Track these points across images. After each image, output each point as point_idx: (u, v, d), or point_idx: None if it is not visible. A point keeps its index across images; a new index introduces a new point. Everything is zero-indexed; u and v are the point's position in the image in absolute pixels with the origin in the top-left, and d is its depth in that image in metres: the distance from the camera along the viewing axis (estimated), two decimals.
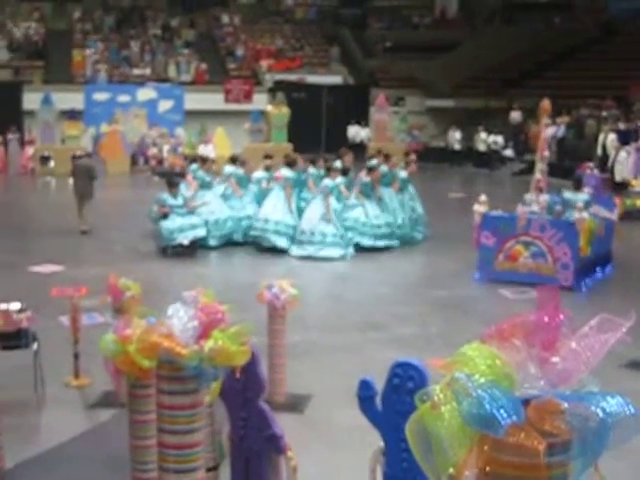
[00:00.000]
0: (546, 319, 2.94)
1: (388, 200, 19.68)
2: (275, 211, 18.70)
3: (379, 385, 5.71)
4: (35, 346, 9.82)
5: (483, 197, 16.48)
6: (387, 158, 20.58)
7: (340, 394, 9.30)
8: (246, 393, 6.10)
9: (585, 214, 15.80)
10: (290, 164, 19.42)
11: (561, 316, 2.97)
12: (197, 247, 18.28)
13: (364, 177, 19.46)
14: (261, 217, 18.75)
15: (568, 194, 16.89)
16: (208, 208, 18.92)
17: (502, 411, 2.61)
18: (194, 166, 20.52)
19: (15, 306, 9.64)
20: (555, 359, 2.86)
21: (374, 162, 20.44)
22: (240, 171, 20.16)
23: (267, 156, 20.67)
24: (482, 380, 2.71)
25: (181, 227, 17.93)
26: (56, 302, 11.64)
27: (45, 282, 14.62)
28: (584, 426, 2.70)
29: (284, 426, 6.28)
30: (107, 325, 9.48)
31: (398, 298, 14.94)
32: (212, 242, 18.88)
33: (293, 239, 18.44)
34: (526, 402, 2.75)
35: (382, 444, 5.78)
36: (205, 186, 19.58)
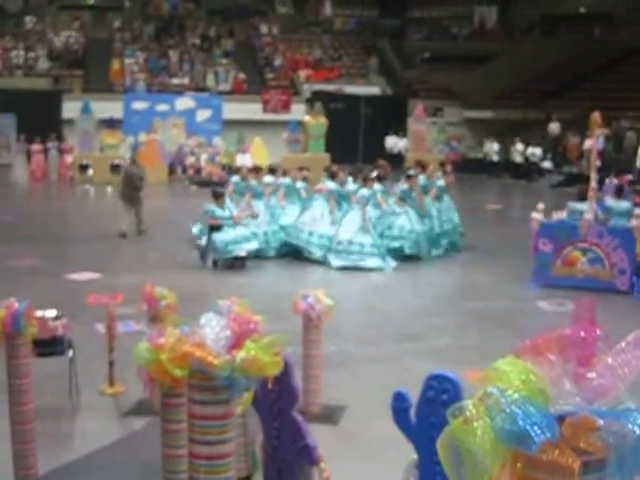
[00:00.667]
0: (582, 334, 2.89)
1: (429, 208, 19.66)
2: (321, 224, 18.64)
3: (414, 397, 5.67)
4: (70, 353, 9.87)
5: (541, 205, 16.96)
6: (424, 168, 20.51)
7: (375, 405, 9.25)
8: (279, 403, 6.08)
9: None
10: (332, 176, 19.41)
11: (597, 331, 2.92)
12: (246, 259, 18.19)
13: (402, 184, 19.49)
14: (305, 229, 18.70)
15: (610, 202, 17.06)
16: (262, 219, 18.94)
17: (536, 428, 2.57)
18: (235, 178, 20.42)
19: (51, 313, 9.69)
20: (591, 375, 2.82)
21: (412, 172, 20.39)
22: (287, 180, 20.17)
23: (302, 168, 20.75)
24: (516, 396, 2.67)
25: (236, 239, 17.78)
26: (92, 310, 11.68)
27: (82, 290, 14.68)
28: (620, 443, 2.65)
29: (318, 437, 6.25)
30: (143, 333, 9.52)
31: (434, 309, 14.87)
32: (272, 252, 18.98)
33: (329, 249, 18.34)
34: (561, 419, 2.70)
35: (416, 456, 5.74)
36: (258, 196, 19.53)
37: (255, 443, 6.93)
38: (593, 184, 16.76)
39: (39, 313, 9.28)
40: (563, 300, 14.44)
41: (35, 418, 7.72)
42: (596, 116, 17.30)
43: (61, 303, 11.23)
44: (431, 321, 13.92)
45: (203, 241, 18.41)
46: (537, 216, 16.75)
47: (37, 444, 7.73)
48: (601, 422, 2.66)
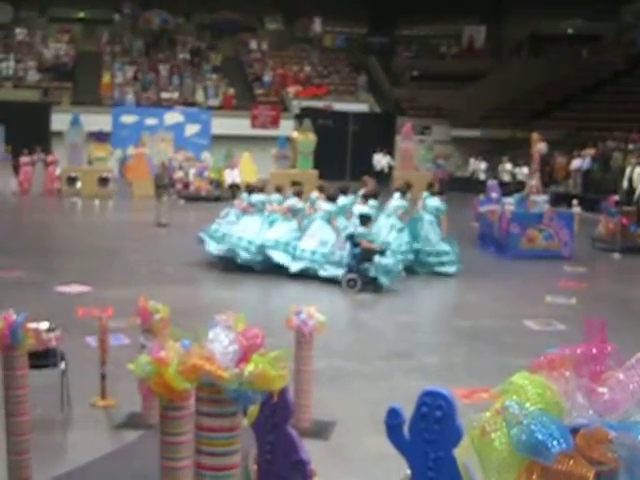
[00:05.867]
0: (594, 351, 2.99)
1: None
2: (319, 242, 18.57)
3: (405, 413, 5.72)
4: (63, 366, 9.88)
5: (510, 199, 23.73)
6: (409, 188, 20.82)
7: (365, 421, 9.32)
8: (274, 418, 6.12)
9: (579, 209, 26.51)
10: (331, 199, 19.44)
11: (608, 348, 3.02)
12: None
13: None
14: (308, 248, 18.47)
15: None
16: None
17: (552, 439, 2.66)
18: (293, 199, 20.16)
19: (44, 325, 9.70)
20: (602, 390, 2.92)
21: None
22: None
23: (295, 183, 20.81)
24: (532, 408, 2.76)
25: (396, 261, 17.71)
26: (82, 322, 11.72)
27: (71, 302, 14.73)
28: (631, 455, 2.74)
29: (309, 452, 6.29)
30: (135, 346, 9.58)
31: (422, 327, 14.96)
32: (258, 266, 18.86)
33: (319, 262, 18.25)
34: (574, 431, 2.80)
35: (408, 472, 5.79)
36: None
37: (249, 458, 6.97)
38: (537, 183, 24.54)
39: (33, 325, 9.32)
40: (550, 320, 14.58)
41: (28, 430, 7.74)
42: (534, 135, 24.66)
43: (51, 315, 11.20)
44: (419, 338, 13.99)
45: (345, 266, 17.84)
46: (510, 207, 22.86)
47: (30, 455, 7.75)
48: (613, 434, 2.76)
